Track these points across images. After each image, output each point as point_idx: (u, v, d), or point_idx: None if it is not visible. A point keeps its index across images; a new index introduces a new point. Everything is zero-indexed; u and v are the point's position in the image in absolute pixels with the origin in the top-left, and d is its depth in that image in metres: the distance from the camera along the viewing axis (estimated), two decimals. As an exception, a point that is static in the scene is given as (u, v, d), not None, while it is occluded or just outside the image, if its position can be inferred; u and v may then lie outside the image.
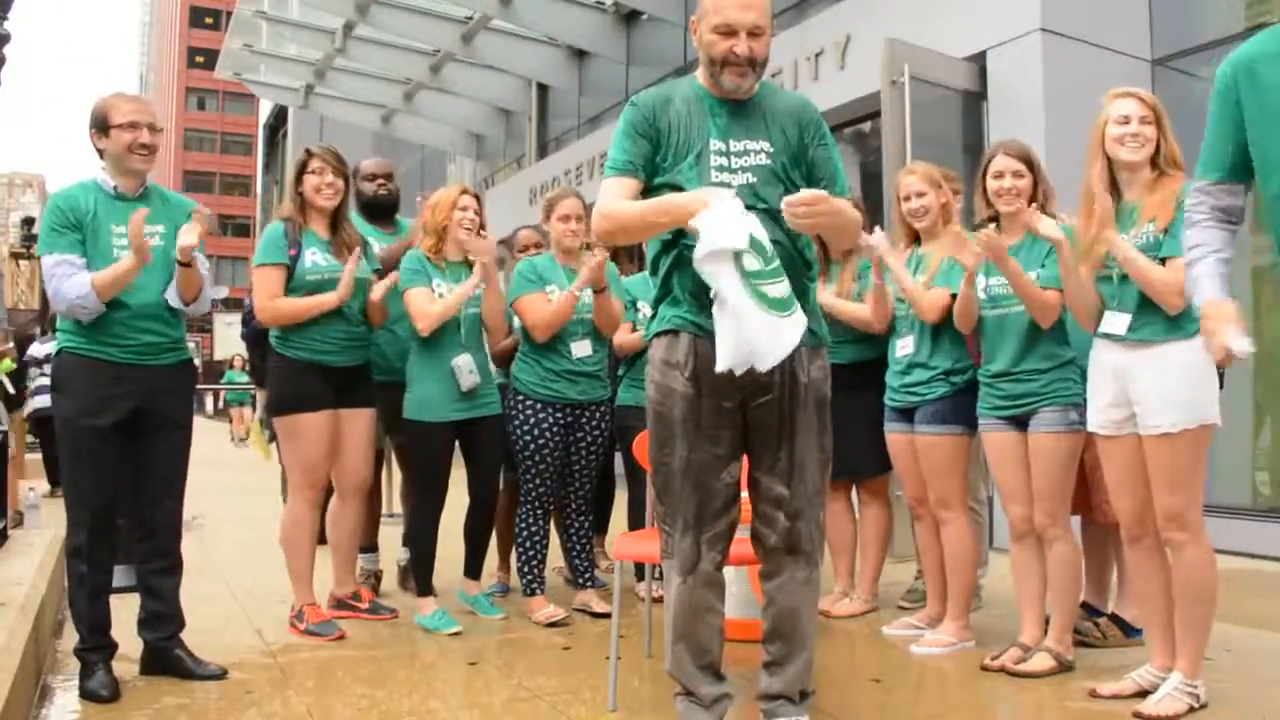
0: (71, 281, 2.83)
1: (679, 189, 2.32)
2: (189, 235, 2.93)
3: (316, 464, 3.60)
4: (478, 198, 3.82)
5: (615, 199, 2.34)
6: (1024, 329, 3.09)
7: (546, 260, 3.94)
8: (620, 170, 2.37)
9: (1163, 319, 2.67)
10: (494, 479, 3.89)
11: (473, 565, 3.89)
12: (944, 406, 3.38)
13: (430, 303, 3.61)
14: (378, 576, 4.37)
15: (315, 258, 3.57)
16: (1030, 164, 3.18)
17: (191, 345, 3.20)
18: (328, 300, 3.52)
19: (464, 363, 3.65)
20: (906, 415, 3.50)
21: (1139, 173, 2.76)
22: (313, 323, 3.54)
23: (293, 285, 3.53)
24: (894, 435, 3.57)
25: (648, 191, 2.38)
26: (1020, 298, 3.04)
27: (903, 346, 3.52)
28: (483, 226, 3.79)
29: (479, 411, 3.72)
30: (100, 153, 2.98)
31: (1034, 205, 3.12)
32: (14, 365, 7.49)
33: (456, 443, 3.78)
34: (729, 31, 2.29)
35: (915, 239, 3.62)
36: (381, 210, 4.32)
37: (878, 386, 3.68)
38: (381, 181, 4.32)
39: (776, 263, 2.17)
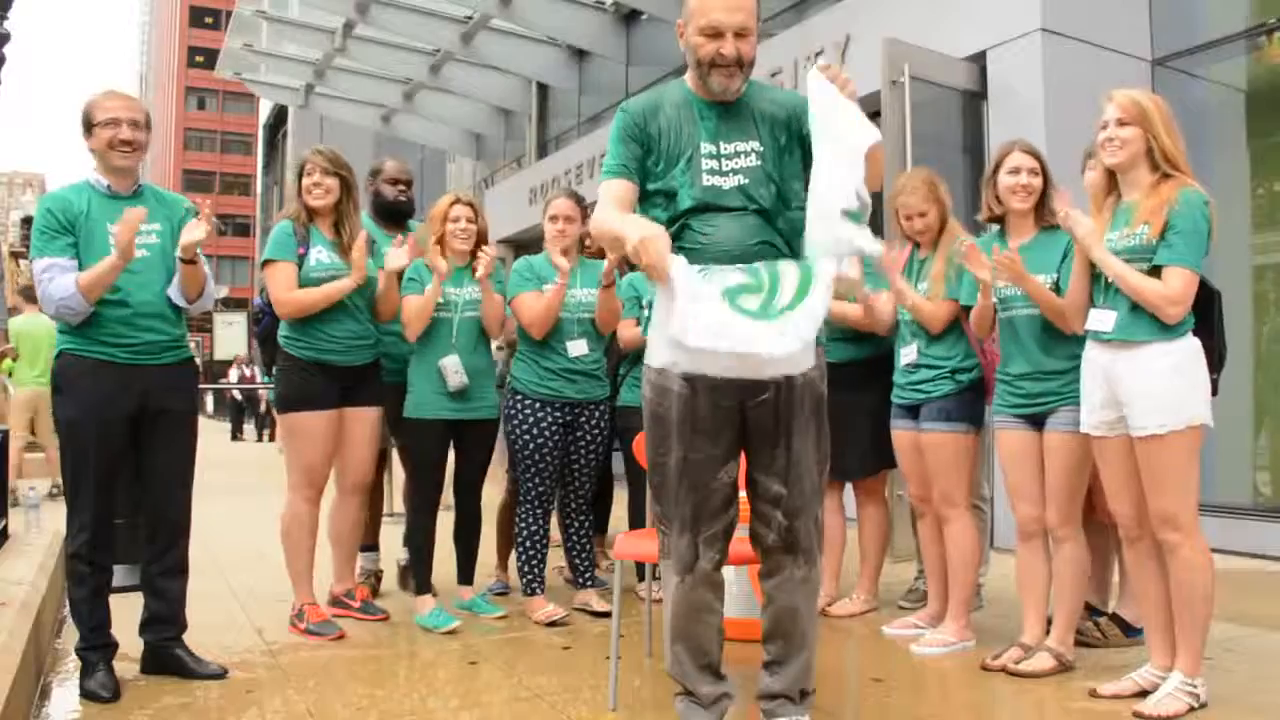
0: (57, 283, 2.82)
1: (673, 195, 2.35)
2: (195, 232, 2.93)
3: (317, 463, 3.61)
4: (471, 204, 3.83)
5: (606, 203, 2.37)
6: (1040, 329, 3.08)
7: (543, 260, 3.95)
8: (614, 173, 2.40)
9: (1148, 318, 2.66)
10: (478, 483, 3.91)
11: (464, 571, 3.90)
12: (949, 404, 3.38)
13: (415, 307, 3.68)
14: (378, 576, 4.37)
15: (321, 255, 3.61)
16: (1042, 165, 3.20)
17: (192, 345, 3.21)
18: (343, 285, 3.56)
19: (450, 363, 3.67)
20: (912, 412, 3.50)
21: (1131, 174, 2.76)
22: (322, 321, 3.57)
23: (300, 283, 3.56)
24: (899, 432, 3.57)
25: (644, 196, 2.41)
26: (1044, 311, 3.04)
27: (906, 355, 3.52)
28: (482, 235, 3.80)
29: (471, 414, 3.74)
30: (92, 153, 2.98)
31: (1046, 206, 3.16)
32: (13, 365, 7.48)
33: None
34: (715, 33, 2.29)
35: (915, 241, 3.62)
36: (397, 216, 4.27)
37: (873, 386, 3.68)
38: (403, 188, 4.30)
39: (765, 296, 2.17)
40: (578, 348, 3.84)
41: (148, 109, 3.09)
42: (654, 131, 2.37)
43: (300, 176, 3.68)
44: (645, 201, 2.41)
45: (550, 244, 3.93)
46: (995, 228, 3.32)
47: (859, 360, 3.77)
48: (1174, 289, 2.61)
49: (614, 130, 2.42)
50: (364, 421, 3.72)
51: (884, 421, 3.66)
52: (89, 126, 2.95)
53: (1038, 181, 3.18)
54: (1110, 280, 2.72)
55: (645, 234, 2.14)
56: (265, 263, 3.62)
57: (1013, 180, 3.18)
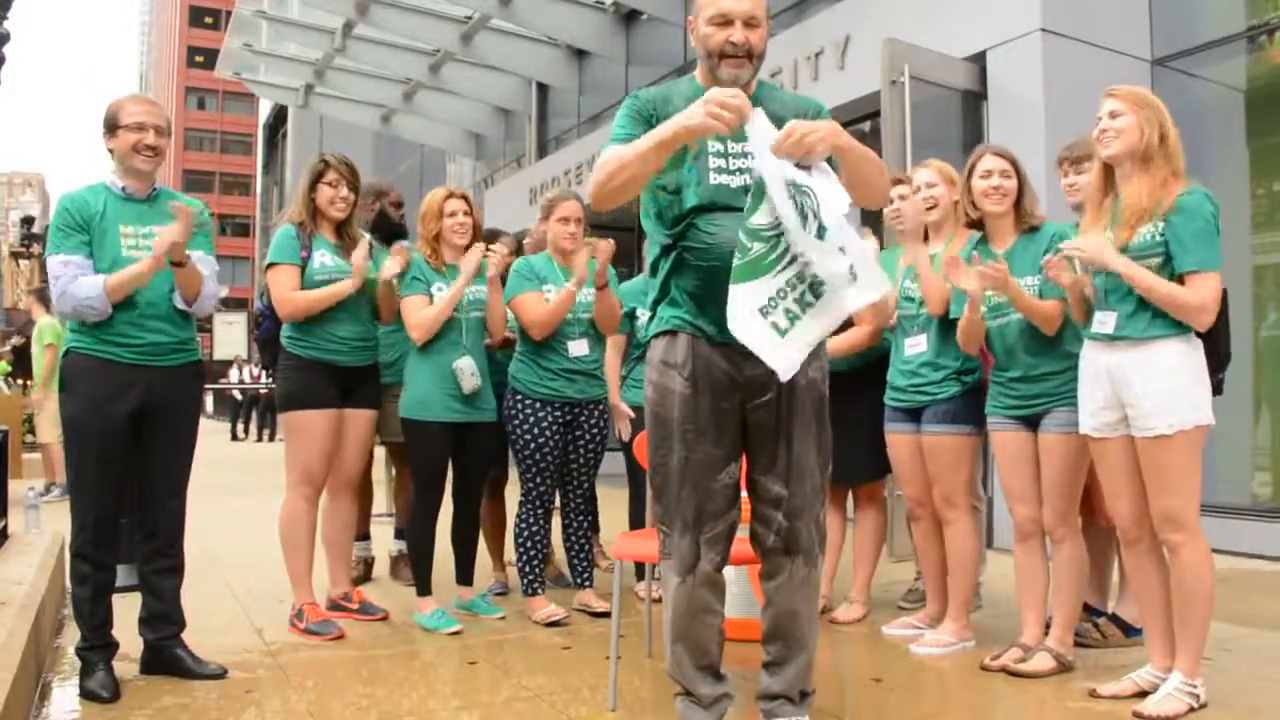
0: (80, 282, 2.84)
1: (678, 190, 2.32)
2: (172, 234, 2.88)
3: (318, 462, 3.61)
4: (465, 198, 3.83)
5: (614, 153, 2.29)
6: (1031, 334, 3.08)
7: (543, 259, 3.94)
8: (620, 141, 2.32)
9: (1150, 315, 2.66)
10: (479, 485, 3.92)
11: (463, 571, 3.89)
12: (955, 406, 3.36)
13: (422, 310, 3.66)
14: (368, 564, 4.52)
15: (325, 259, 3.63)
16: (1016, 166, 3.18)
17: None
18: (344, 287, 3.59)
19: (466, 365, 3.66)
20: (912, 415, 3.48)
21: (1127, 167, 2.73)
22: (326, 322, 3.59)
23: (304, 286, 3.59)
24: (896, 436, 3.55)
25: (649, 188, 2.37)
26: (1024, 314, 3.04)
27: (913, 345, 3.48)
28: (477, 228, 3.81)
29: (475, 416, 3.74)
30: (111, 153, 3.00)
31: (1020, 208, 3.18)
32: (10, 368, 7.49)
33: None
34: (724, 21, 2.30)
35: (927, 237, 3.60)
36: (396, 236, 4.42)
37: (874, 391, 3.66)
38: (402, 213, 4.53)
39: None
40: (579, 348, 3.84)
41: (168, 115, 3.10)
42: (664, 120, 2.35)
43: (315, 180, 3.67)
44: (649, 192, 2.38)
45: (556, 244, 3.92)
46: (977, 234, 3.31)
47: (859, 366, 3.75)
48: (1205, 295, 2.59)
49: (625, 108, 2.39)
50: (361, 422, 3.74)
51: (864, 429, 3.66)
52: (113, 128, 2.96)
53: (1010, 183, 3.16)
54: (1111, 283, 2.72)
55: (706, 97, 2.10)
56: (268, 266, 3.64)
57: (984, 184, 3.17)
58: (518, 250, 4.45)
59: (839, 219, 2.11)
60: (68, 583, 3.15)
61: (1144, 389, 2.65)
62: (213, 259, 3.12)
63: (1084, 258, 2.73)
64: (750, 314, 2.12)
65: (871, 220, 4.62)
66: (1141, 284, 2.65)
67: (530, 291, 3.82)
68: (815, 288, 2.13)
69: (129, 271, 2.85)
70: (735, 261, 2.13)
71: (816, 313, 2.14)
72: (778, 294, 2.13)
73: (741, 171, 2.32)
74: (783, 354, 2.12)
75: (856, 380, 3.66)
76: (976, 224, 3.27)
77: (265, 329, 3.90)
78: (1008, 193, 3.16)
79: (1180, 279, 2.63)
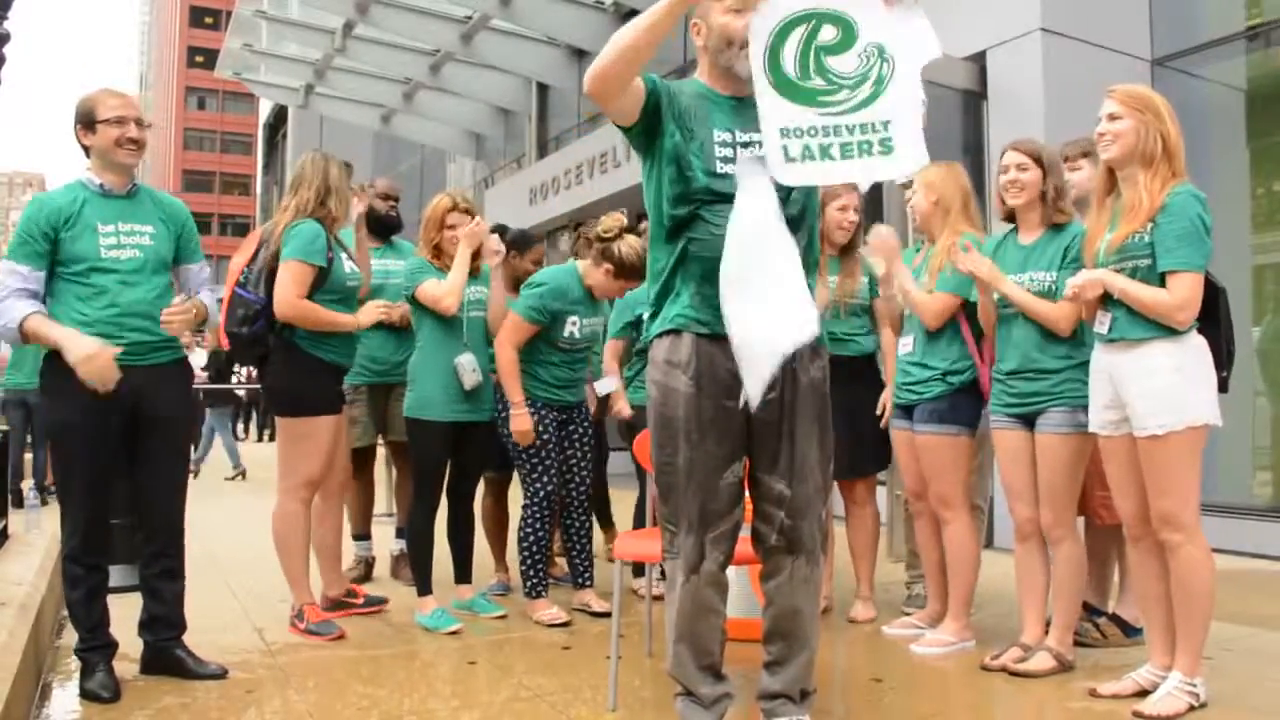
0: (7, 303, 2.77)
1: (687, 165, 2.32)
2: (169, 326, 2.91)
3: (322, 465, 3.58)
4: (469, 211, 3.81)
5: None
6: (1035, 327, 3.07)
7: (576, 283, 3.82)
8: None
9: (1144, 317, 2.66)
10: (474, 484, 3.93)
11: (462, 570, 3.88)
12: (940, 406, 3.36)
13: (442, 284, 3.68)
14: (369, 564, 4.53)
15: (349, 264, 3.62)
16: (1039, 159, 3.18)
17: (206, 341, 3.21)
18: (348, 321, 3.57)
19: (466, 361, 3.67)
20: (908, 412, 3.50)
21: (1128, 170, 2.74)
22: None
23: (328, 288, 3.51)
24: (897, 431, 3.58)
25: (654, 161, 2.38)
26: (1026, 313, 3.03)
27: (903, 345, 3.52)
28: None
29: (475, 415, 3.75)
30: (87, 150, 2.95)
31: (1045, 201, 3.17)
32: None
33: None
34: (743, 8, 2.33)
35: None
36: (385, 231, 4.42)
37: (856, 387, 3.67)
38: (393, 204, 4.45)
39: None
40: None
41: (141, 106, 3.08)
42: (671, 98, 2.35)
43: (335, 184, 3.57)
44: (655, 167, 2.38)
45: (603, 288, 3.83)
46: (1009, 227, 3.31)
47: (843, 360, 3.71)
48: (1179, 295, 2.60)
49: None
50: (345, 422, 3.78)
51: (870, 422, 3.67)
52: (90, 124, 2.91)
53: (1027, 176, 3.15)
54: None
55: None
56: (291, 260, 3.41)
57: (1004, 178, 3.19)
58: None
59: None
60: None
61: (1137, 389, 2.66)
62: (203, 263, 3.11)
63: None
64: (767, 124, 2.23)
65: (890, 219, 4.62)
66: (1117, 289, 2.68)
67: (527, 323, 3.73)
68: (884, 143, 2.38)
69: (52, 331, 2.76)
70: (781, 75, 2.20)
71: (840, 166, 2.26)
72: (809, 130, 2.22)
73: (745, 161, 2.33)
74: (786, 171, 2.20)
75: (840, 375, 3.61)
76: (1010, 216, 3.28)
77: (260, 326, 3.49)
78: (1025, 186, 3.16)
79: (1163, 279, 2.63)
